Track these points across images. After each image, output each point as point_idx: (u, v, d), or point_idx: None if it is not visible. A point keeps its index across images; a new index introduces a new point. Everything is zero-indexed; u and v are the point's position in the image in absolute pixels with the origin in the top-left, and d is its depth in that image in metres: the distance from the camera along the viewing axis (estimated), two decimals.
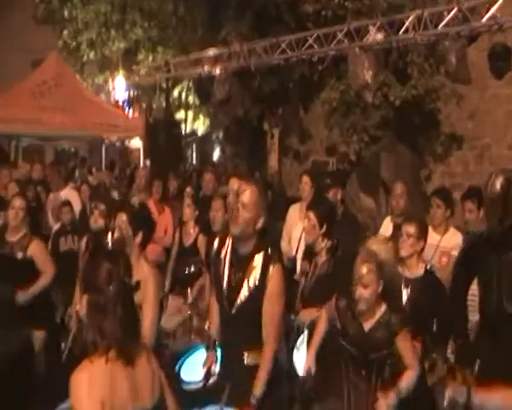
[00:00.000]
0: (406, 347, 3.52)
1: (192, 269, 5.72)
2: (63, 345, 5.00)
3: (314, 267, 4.39)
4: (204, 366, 3.56)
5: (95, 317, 2.24)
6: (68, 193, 7.82)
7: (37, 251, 5.08)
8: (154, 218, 6.31)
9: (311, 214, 4.39)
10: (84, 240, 5.33)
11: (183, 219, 6.17)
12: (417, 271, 4.19)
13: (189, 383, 3.73)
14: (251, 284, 3.31)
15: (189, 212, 6.03)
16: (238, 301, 3.34)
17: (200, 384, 3.61)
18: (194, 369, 3.81)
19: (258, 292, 3.29)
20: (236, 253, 3.40)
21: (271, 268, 3.29)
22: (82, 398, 2.14)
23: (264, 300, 3.29)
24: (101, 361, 2.20)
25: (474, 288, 4.45)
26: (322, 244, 4.35)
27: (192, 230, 5.98)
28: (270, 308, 3.30)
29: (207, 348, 3.64)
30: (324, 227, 4.33)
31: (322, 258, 4.35)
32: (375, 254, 3.52)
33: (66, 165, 12.89)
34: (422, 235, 4.21)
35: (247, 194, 3.29)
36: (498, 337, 4.04)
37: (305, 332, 4.36)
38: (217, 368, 3.57)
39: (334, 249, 4.33)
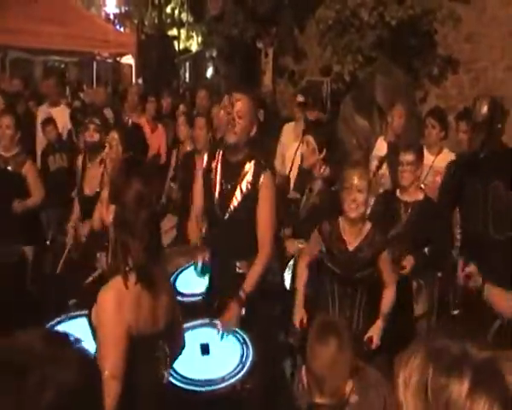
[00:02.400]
0: (386, 264, 3.63)
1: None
2: (61, 261, 5.08)
3: (309, 192, 4.39)
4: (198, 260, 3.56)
5: (121, 234, 2.19)
6: (60, 110, 7.70)
7: (30, 172, 5.08)
8: (146, 138, 6.31)
9: (310, 138, 4.34)
10: (81, 157, 5.32)
11: (179, 138, 6.16)
12: (416, 195, 4.25)
13: (184, 294, 3.78)
14: (243, 189, 3.39)
15: (184, 130, 6.01)
16: (231, 207, 3.42)
17: (196, 298, 3.69)
18: (189, 282, 3.88)
19: (250, 198, 3.38)
20: (228, 162, 3.46)
21: (262, 176, 3.37)
22: (109, 318, 2.10)
23: (257, 207, 3.38)
24: (127, 285, 2.15)
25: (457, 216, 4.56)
26: (321, 170, 4.34)
27: (189, 147, 5.98)
28: (263, 214, 3.40)
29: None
30: (324, 152, 4.31)
31: (319, 186, 4.34)
32: (367, 167, 3.60)
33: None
34: (420, 160, 4.25)
35: (241, 103, 3.32)
36: (483, 262, 4.17)
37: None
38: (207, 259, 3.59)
39: (331, 179, 4.29)
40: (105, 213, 2.25)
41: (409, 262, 4.02)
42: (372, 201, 4.37)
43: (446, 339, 1.17)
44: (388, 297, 3.64)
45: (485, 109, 3.92)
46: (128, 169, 2.28)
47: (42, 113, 7.44)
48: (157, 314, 2.29)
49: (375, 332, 3.57)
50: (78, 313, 3.17)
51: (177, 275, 4.03)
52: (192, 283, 3.82)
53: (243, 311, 3.32)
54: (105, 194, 2.30)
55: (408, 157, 4.16)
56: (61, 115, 7.40)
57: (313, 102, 6.29)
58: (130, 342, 2.14)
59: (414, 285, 4.18)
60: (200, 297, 3.70)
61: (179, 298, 3.69)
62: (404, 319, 3.95)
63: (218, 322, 3.20)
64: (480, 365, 1.10)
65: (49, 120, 6.86)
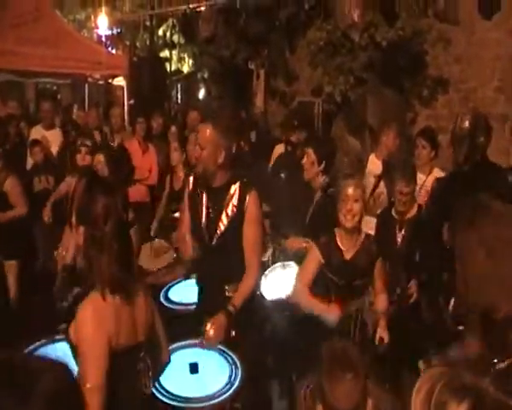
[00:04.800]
0: (380, 273, 3.70)
1: (177, 214, 5.70)
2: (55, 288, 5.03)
3: (310, 205, 4.38)
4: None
5: (91, 250, 2.21)
6: (55, 133, 7.63)
7: (11, 187, 5.15)
8: (133, 160, 6.30)
9: (311, 151, 4.35)
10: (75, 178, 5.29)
11: (171, 163, 6.12)
12: (411, 212, 4.30)
13: (176, 303, 3.88)
14: (229, 213, 3.37)
15: (176, 156, 5.98)
16: (218, 232, 3.40)
17: (188, 308, 3.72)
18: (181, 292, 3.98)
19: (237, 220, 3.36)
20: (211, 187, 3.45)
21: (248, 196, 3.36)
22: (89, 333, 2.12)
23: (244, 227, 3.37)
24: (105, 297, 2.19)
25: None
26: (321, 181, 4.34)
27: (182, 173, 5.94)
28: (251, 234, 3.39)
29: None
30: (323, 164, 4.32)
31: (318, 195, 4.36)
32: (359, 180, 3.64)
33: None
34: (413, 183, 4.28)
35: (202, 133, 3.35)
36: None
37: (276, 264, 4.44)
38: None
39: (329, 186, 4.29)
40: (76, 236, 2.25)
41: (413, 289, 4.05)
42: (373, 222, 4.46)
43: (467, 370, 1.22)
44: (381, 300, 3.71)
45: (466, 124, 3.96)
46: (89, 185, 2.31)
47: (35, 134, 7.40)
48: (136, 326, 2.31)
49: (382, 332, 3.64)
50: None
51: (170, 287, 4.16)
52: (184, 294, 3.93)
53: (233, 333, 3.29)
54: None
55: (405, 189, 4.19)
56: (56, 138, 7.36)
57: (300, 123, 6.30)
58: (110, 355, 2.15)
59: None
60: (191, 307, 3.73)
61: (171, 306, 3.87)
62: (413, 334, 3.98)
63: (202, 335, 3.19)
64: (487, 401, 1.13)
65: (36, 142, 6.82)
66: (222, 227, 3.40)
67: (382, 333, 3.63)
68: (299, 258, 4.04)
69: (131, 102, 11.91)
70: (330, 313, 3.51)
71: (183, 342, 3.22)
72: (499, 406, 1.13)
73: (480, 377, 1.17)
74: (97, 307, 2.16)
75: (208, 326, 3.17)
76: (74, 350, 2.19)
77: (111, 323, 2.17)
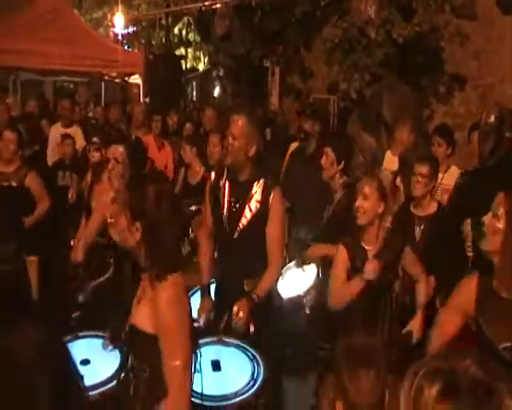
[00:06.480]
0: (411, 259, 3.60)
1: (193, 207, 5.72)
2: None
3: (330, 204, 4.37)
4: (200, 314, 3.54)
5: (152, 240, 2.23)
6: (73, 130, 7.68)
7: (33, 182, 5.27)
8: (148, 154, 6.32)
9: (329, 150, 4.31)
10: (89, 175, 5.38)
11: (185, 160, 6.16)
12: (430, 209, 4.21)
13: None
14: (252, 209, 3.39)
15: (186, 156, 6.02)
16: (240, 226, 3.42)
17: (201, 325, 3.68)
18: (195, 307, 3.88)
19: (260, 217, 3.38)
20: (235, 181, 3.47)
21: (272, 194, 3.38)
22: (175, 312, 2.18)
23: (268, 224, 3.39)
24: (175, 281, 2.24)
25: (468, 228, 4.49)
26: (341, 181, 4.32)
27: (198, 168, 5.96)
28: (274, 231, 3.42)
29: (202, 295, 3.63)
30: (342, 164, 4.30)
31: (339, 194, 4.33)
32: (377, 175, 3.58)
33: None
34: (434, 174, 4.21)
35: (236, 124, 3.35)
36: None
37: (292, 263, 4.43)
38: (212, 315, 3.57)
39: (350, 185, 4.21)
40: (129, 236, 2.25)
41: (430, 284, 3.96)
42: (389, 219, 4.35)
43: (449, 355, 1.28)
44: (421, 289, 3.64)
45: (492, 118, 3.90)
46: (135, 180, 2.34)
47: (55, 131, 7.49)
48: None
49: (414, 326, 3.55)
50: (88, 333, 3.32)
51: None
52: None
53: (252, 328, 3.31)
54: (122, 221, 2.27)
55: (422, 169, 4.13)
56: (76, 136, 7.42)
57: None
58: None
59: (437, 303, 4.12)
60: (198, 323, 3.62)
61: None
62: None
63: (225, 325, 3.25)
64: (462, 380, 1.19)
65: (68, 136, 6.94)
66: (244, 221, 3.42)
67: (414, 327, 3.53)
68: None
69: (147, 99, 11.98)
70: (368, 266, 3.38)
71: (203, 340, 3.18)
72: (477, 384, 1.18)
73: (461, 359, 1.22)
74: (177, 287, 2.23)
75: (236, 308, 3.24)
76: (146, 338, 2.22)
77: (187, 301, 2.30)
